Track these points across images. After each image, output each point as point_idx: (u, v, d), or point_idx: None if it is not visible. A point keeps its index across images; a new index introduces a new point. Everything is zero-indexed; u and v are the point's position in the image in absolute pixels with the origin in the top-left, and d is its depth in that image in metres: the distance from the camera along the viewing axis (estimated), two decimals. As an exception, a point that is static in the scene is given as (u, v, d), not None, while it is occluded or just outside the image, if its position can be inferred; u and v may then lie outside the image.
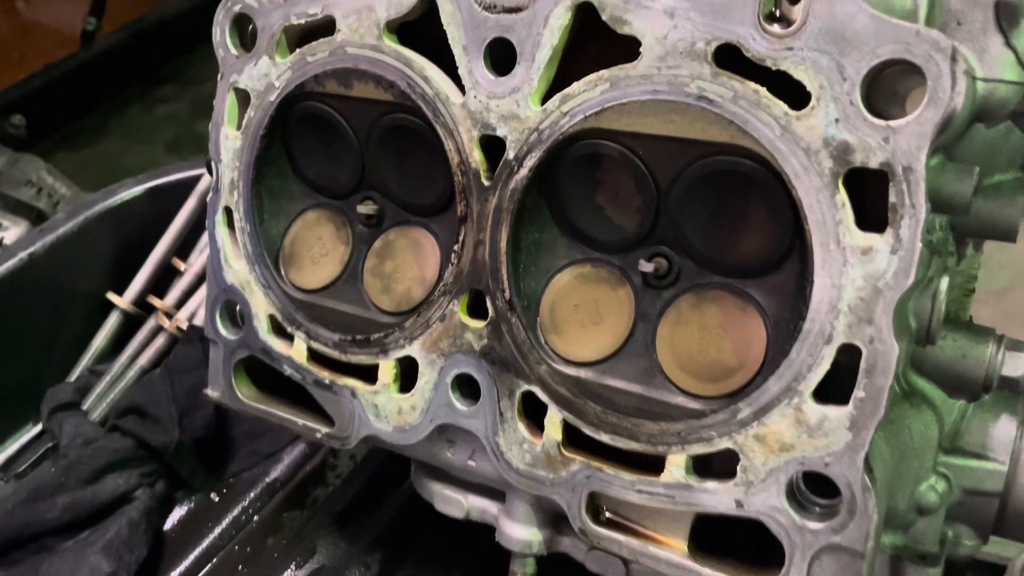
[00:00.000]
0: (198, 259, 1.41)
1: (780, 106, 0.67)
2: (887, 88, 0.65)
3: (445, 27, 0.81)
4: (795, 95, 0.66)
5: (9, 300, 1.32)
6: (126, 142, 3.22)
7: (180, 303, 1.38)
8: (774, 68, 0.66)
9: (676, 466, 0.75)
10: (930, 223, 0.78)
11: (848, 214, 0.65)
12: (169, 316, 1.36)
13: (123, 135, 3.25)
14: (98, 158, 3.21)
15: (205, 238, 1.45)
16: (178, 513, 1.23)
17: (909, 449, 0.83)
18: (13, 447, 1.34)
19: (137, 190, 1.45)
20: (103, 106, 3.37)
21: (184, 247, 1.44)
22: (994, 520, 0.87)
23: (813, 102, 0.65)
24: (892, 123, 0.63)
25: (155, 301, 1.38)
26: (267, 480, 1.25)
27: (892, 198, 0.63)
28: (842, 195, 0.65)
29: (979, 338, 0.82)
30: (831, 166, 0.65)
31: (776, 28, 0.66)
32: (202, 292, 1.36)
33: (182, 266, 1.42)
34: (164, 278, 1.43)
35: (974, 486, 0.86)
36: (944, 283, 0.70)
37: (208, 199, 1.01)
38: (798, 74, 0.66)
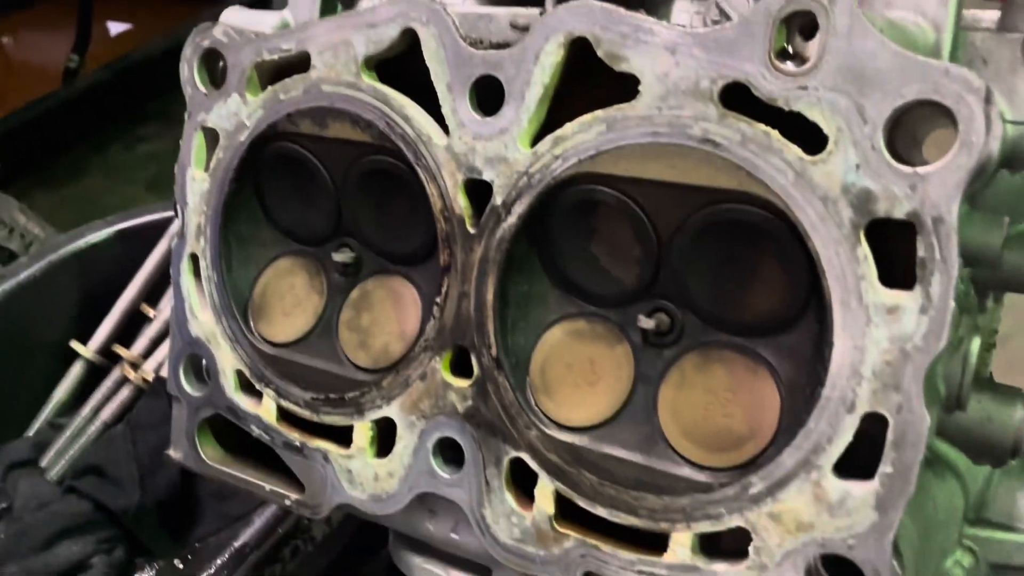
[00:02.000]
0: (168, 306, 1.33)
1: (794, 150, 0.61)
2: (907, 132, 0.59)
3: (428, 63, 0.75)
4: (810, 139, 0.61)
5: (-36, 350, 1.25)
6: (106, 181, 3.15)
7: (148, 352, 1.31)
8: (787, 109, 0.61)
9: (681, 545, 0.67)
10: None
11: (871, 269, 0.59)
12: (135, 366, 1.29)
13: (103, 174, 3.19)
14: (76, 198, 3.13)
15: (176, 283, 1.38)
16: (138, 582, 1.14)
17: (933, 522, 0.76)
18: (-36, 508, 1.24)
19: (105, 233, 1.38)
20: (83, 144, 3.31)
21: (154, 293, 1.36)
22: (1024, 598, 0.80)
23: (831, 146, 0.59)
24: (920, 170, 0.57)
25: (121, 351, 1.30)
26: (236, 545, 1.16)
27: (921, 252, 0.57)
28: (864, 248, 0.59)
29: (1006, 400, 0.76)
30: (851, 216, 0.59)
31: (789, 66, 0.61)
32: (171, 341, 1.28)
33: (151, 313, 1.35)
34: (132, 326, 1.36)
35: (1002, 560, 0.79)
36: (976, 344, 0.64)
37: (173, 245, 0.94)
38: (813, 115, 0.60)
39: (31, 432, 1.30)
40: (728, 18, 0.71)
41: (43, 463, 1.24)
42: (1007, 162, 0.66)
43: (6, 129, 3.06)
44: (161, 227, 1.38)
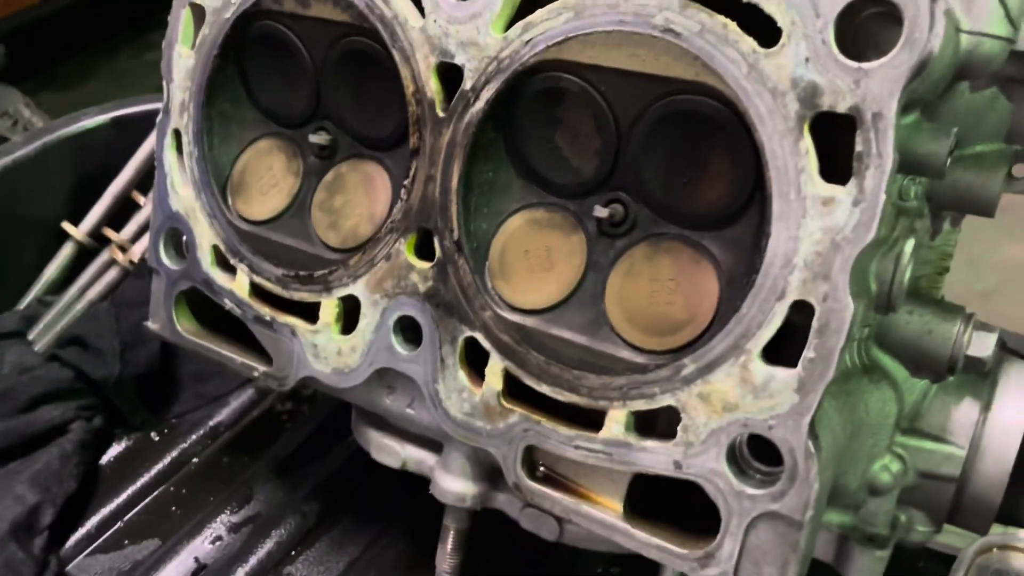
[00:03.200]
0: (159, 194, 1.36)
1: (749, 42, 0.62)
2: (863, 40, 0.61)
3: (408, -55, 0.77)
4: (765, 33, 0.62)
5: (-42, 225, 1.28)
6: (113, 87, 3.15)
7: (136, 237, 1.34)
8: (744, 1, 0.62)
9: (616, 422, 0.71)
10: (904, 189, 0.74)
11: (811, 161, 0.61)
12: (123, 250, 1.32)
13: (110, 79, 3.19)
14: (83, 101, 3.11)
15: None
16: (115, 450, 1.19)
17: (864, 425, 0.79)
18: (-45, 373, 1.29)
19: (101, 119, 1.40)
20: (92, 49, 3.31)
21: (145, 180, 1.39)
22: (949, 506, 0.84)
23: (784, 39, 0.61)
24: (864, 65, 0.59)
25: (110, 234, 1.34)
26: (211, 423, 1.22)
27: (858, 146, 0.59)
28: (807, 141, 0.61)
29: (947, 315, 0.79)
30: (797, 109, 0.61)
31: (750, -43, 0.62)
32: (160, 228, 1.32)
33: (142, 200, 1.38)
34: (123, 211, 1.39)
35: (930, 469, 0.82)
36: (910, 245, 0.66)
37: (157, 120, 0.97)
38: (769, 8, 0.61)
39: (21, 307, 1.34)
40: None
41: (31, 336, 1.29)
42: (963, 73, 0.68)
43: (15, 26, 3.05)
44: (154, 117, 1.40)
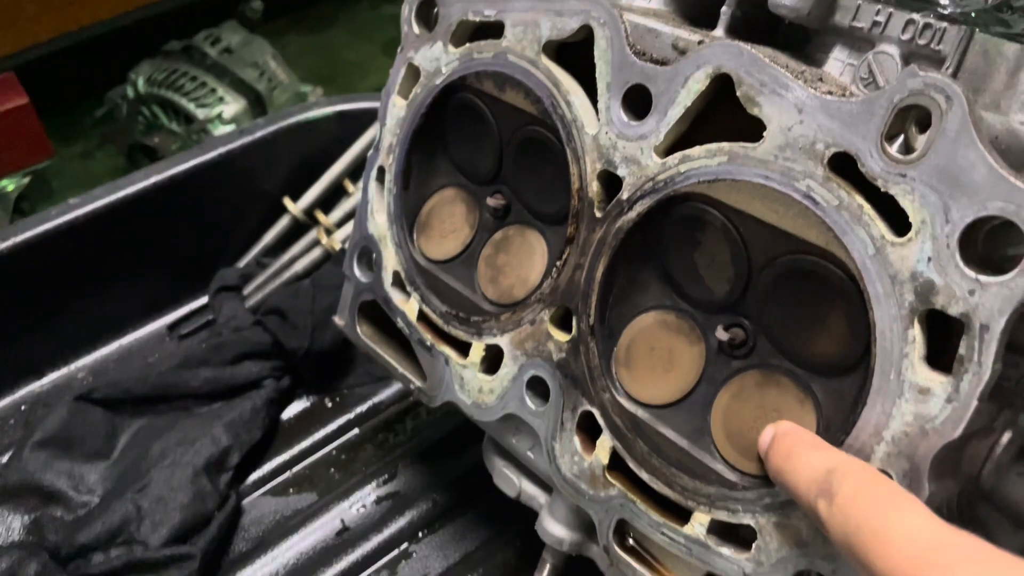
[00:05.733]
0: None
1: (880, 228, 0.67)
2: (991, 246, 0.63)
3: (596, 60, 0.85)
4: (894, 219, 0.66)
5: (204, 186, 1.51)
6: (349, 36, 3.43)
7: (341, 223, 1.53)
8: (883, 190, 0.66)
9: (700, 523, 0.79)
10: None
11: (916, 350, 0.65)
12: (328, 232, 1.51)
13: (348, 28, 3.47)
14: (322, 46, 3.44)
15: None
16: (294, 409, 1.40)
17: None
18: (183, 310, 1.56)
19: (327, 111, 1.59)
20: (337, -4, 3.61)
21: (357, 171, 1.57)
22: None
23: (912, 234, 0.65)
24: (982, 278, 0.62)
25: (320, 216, 1.53)
26: (374, 400, 1.40)
27: (961, 350, 0.63)
28: (916, 331, 0.65)
29: (1054, 488, 0.79)
30: (912, 301, 0.65)
31: (896, 151, 0.66)
32: (360, 218, 1.50)
33: (351, 188, 1.56)
34: (333, 195, 1.58)
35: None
36: (1006, 437, 0.69)
37: (368, 155, 1.12)
38: (904, 203, 0.65)
39: (240, 265, 1.58)
40: (874, 80, 0.75)
41: (245, 292, 1.52)
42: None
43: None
44: (374, 115, 1.57)
